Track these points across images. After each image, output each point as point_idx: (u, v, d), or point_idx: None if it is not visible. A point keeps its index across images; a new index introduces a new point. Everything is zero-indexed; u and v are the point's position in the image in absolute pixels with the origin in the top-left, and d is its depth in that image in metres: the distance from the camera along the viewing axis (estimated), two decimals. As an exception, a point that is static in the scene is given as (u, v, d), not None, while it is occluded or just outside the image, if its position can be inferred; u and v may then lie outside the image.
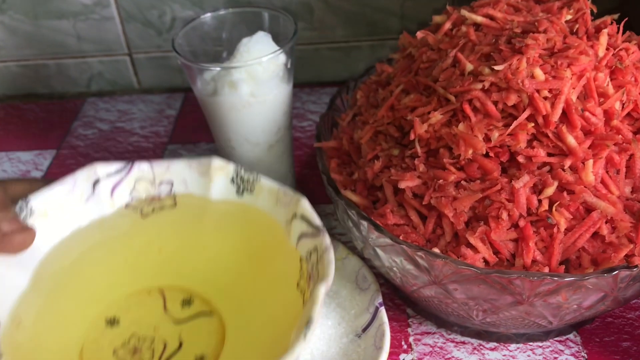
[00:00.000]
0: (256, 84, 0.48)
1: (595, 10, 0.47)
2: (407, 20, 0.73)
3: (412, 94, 0.44)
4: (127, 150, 0.71)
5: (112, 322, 0.41)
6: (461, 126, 0.40)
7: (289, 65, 0.50)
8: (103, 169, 0.41)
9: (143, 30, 0.75)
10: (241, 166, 0.42)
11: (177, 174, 0.42)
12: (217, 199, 0.42)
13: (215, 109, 0.50)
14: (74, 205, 0.41)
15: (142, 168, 0.42)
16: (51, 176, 0.67)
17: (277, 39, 0.50)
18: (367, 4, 0.73)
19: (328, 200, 0.62)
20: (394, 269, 0.43)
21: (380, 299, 0.47)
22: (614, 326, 0.49)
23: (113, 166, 0.42)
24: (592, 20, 0.46)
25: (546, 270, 0.39)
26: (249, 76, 0.48)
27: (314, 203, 0.62)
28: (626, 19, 0.47)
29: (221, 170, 0.41)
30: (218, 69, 0.48)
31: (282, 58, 0.49)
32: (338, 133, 0.51)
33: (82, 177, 0.41)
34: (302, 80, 0.78)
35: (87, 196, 0.41)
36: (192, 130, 0.73)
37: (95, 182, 0.40)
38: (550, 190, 0.39)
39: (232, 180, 0.41)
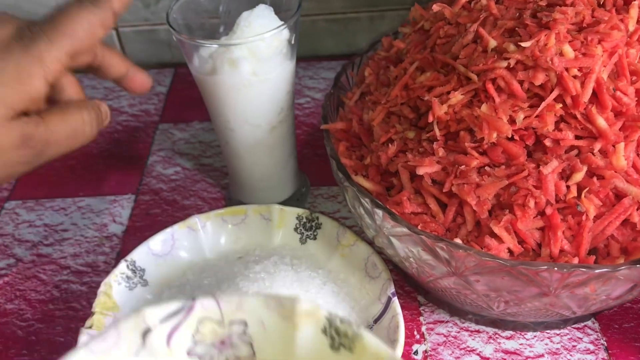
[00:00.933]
0: (258, 61, 0.45)
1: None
2: (408, -10, 0.70)
3: (429, 72, 0.41)
4: (117, 131, 0.67)
5: None
6: (484, 107, 0.38)
7: (292, 41, 0.47)
8: (154, 315, 0.31)
9: (129, 2, 0.71)
10: (336, 315, 0.31)
11: (251, 312, 0.32)
12: (305, 352, 0.32)
13: (213, 88, 0.47)
14: None
15: (205, 306, 0.32)
16: (36, 159, 0.64)
17: (278, 12, 0.47)
18: (367, -27, 0.69)
19: (330, 181, 0.59)
20: (410, 259, 0.41)
21: (392, 289, 0.45)
22: (632, 311, 0.47)
23: (167, 309, 0.31)
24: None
25: (575, 260, 0.37)
26: (250, 53, 0.45)
27: (316, 185, 0.59)
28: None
29: (309, 318, 0.31)
30: (217, 46, 0.45)
31: (285, 34, 0.46)
32: (345, 113, 0.48)
33: (127, 328, 0.31)
34: (298, 55, 0.74)
35: (136, 349, 0.32)
36: (184, 107, 0.69)
37: (146, 332, 0.31)
38: (579, 176, 0.37)
39: (324, 330, 0.31)
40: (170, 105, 0.70)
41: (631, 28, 0.40)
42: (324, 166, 0.61)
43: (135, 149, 0.65)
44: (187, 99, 0.70)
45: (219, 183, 0.60)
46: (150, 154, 0.64)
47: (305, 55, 0.75)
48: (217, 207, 0.57)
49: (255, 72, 0.45)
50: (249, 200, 0.55)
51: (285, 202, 0.55)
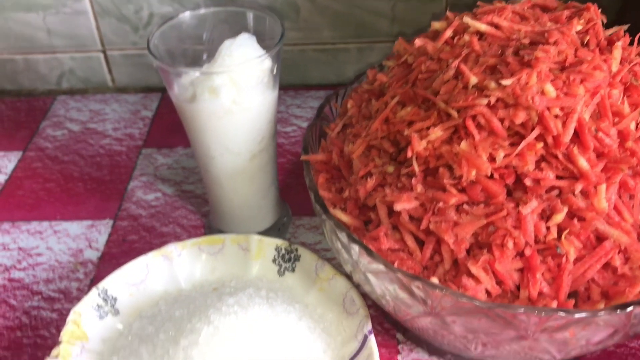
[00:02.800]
0: (239, 90, 0.44)
1: (605, 21, 0.44)
2: (398, 23, 0.70)
3: (409, 107, 0.41)
4: (99, 154, 0.66)
5: None
6: (464, 144, 0.37)
7: (274, 71, 0.46)
8: None
9: (118, 25, 0.71)
10: None
11: None
12: None
13: (193, 115, 0.46)
14: None
15: None
16: (15, 181, 0.63)
17: (262, 41, 0.46)
18: (356, 4, 0.69)
19: (312, 212, 0.58)
20: (387, 297, 0.39)
21: (369, 326, 0.44)
22: (615, 356, 0.46)
23: None
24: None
25: (554, 304, 0.36)
26: (231, 82, 0.44)
27: (298, 215, 0.58)
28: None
29: None
30: (197, 73, 0.44)
31: (267, 63, 0.45)
32: (327, 144, 0.47)
33: None
34: (286, 83, 0.74)
35: None
36: (169, 133, 0.69)
37: None
38: (559, 217, 0.36)
39: None
40: (155, 129, 0.69)
41: (614, 69, 0.39)
42: (307, 196, 0.60)
43: (116, 173, 0.64)
44: (173, 124, 0.70)
45: (199, 210, 0.59)
46: (132, 179, 0.63)
47: (293, 84, 0.75)
48: (196, 235, 0.56)
49: (235, 101, 0.45)
50: (229, 229, 0.54)
51: (266, 232, 0.54)
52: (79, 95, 0.75)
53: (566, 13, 0.44)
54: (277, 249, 0.50)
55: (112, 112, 0.72)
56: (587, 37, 0.41)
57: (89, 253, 0.55)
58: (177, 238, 0.56)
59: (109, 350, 0.45)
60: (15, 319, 0.50)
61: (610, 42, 0.42)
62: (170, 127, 0.69)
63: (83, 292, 0.52)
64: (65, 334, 0.44)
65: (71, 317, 0.45)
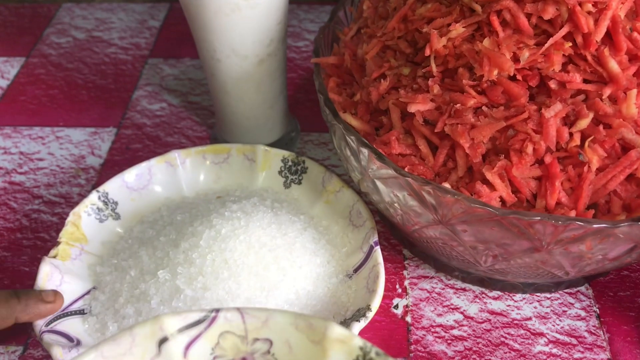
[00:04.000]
0: (248, -16, 0.42)
1: None
2: None
3: (430, 3, 0.38)
4: (104, 62, 0.64)
5: None
6: (486, 42, 0.34)
7: (286, -34, 0.43)
8: (172, 324, 0.29)
9: None
10: (372, 346, 0.28)
11: (278, 331, 0.29)
12: None
13: (198, 12, 0.43)
14: None
15: (229, 319, 0.29)
16: (18, 86, 0.61)
17: None
18: None
19: (321, 128, 0.56)
20: (395, 204, 0.38)
21: (375, 238, 0.42)
22: (629, 280, 0.45)
23: (187, 318, 0.29)
24: None
25: (572, 214, 0.34)
26: (239, -25, 0.41)
27: (307, 131, 0.56)
28: None
29: (341, 345, 0.29)
30: (204, -37, 0.41)
31: (279, -44, 0.42)
32: (339, 48, 0.45)
33: (142, 335, 0.29)
34: (300, -4, 0.71)
35: (150, 358, 0.29)
36: (176, 43, 0.66)
37: (162, 341, 0.29)
38: (584, 123, 0.34)
39: None
40: (162, 40, 0.67)
41: (655, -34, 0.36)
42: (316, 111, 0.58)
43: (121, 81, 0.61)
44: (180, 35, 0.67)
45: (205, 122, 0.57)
46: (137, 88, 0.61)
47: (307, -2, 0.71)
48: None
49: (243, -4, 0.42)
50: (234, 141, 0.52)
51: (272, 145, 0.52)
52: (85, 3, 0.72)
53: None
54: (284, 160, 0.48)
55: (118, 21, 0.69)
56: None
57: (91, 159, 0.53)
58: (182, 147, 0.54)
59: (109, 252, 0.44)
60: (15, 221, 0.49)
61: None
62: (177, 38, 0.67)
63: (84, 197, 0.50)
64: (64, 235, 0.43)
65: (70, 218, 0.44)
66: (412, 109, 0.36)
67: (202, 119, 0.57)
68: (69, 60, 0.64)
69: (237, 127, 0.52)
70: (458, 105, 0.35)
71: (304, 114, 0.58)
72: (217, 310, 0.29)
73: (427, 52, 0.36)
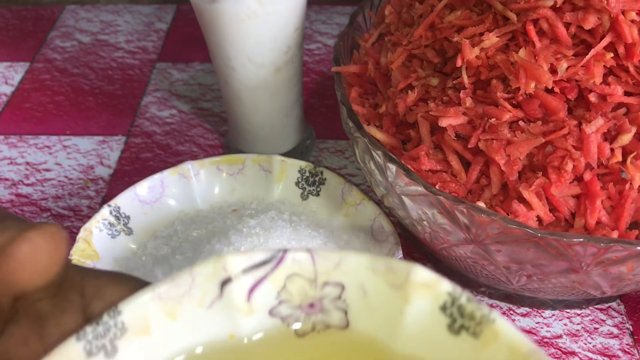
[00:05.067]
0: (265, -10, 0.40)
1: None
2: None
3: (460, 10, 0.36)
4: (110, 67, 0.62)
5: None
6: (522, 52, 0.33)
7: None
8: (236, 264, 0.26)
9: None
10: (461, 292, 0.24)
11: (352, 275, 0.26)
12: (414, 332, 0.25)
13: (213, 18, 0.42)
14: (190, 315, 0.26)
15: (298, 260, 0.26)
16: (22, 93, 0.59)
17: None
18: None
19: (337, 135, 0.55)
20: (424, 222, 0.36)
21: (400, 254, 0.41)
22: (663, 295, 0.43)
23: (253, 258, 0.26)
24: None
25: (614, 234, 0.32)
26: (256, -20, 0.39)
27: (321, 138, 0.55)
28: None
29: (426, 290, 0.25)
30: (220, -32, 0.39)
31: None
32: (360, 56, 0.43)
33: (203, 275, 0.26)
34: (311, -3, 0.69)
35: (211, 300, 0.26)
36: (185, 46, 0.64)
37: (225, 282, 0.26)
38: (626, 138, 0.32)
39: (444, 308, 0.25)
40: (170, 43, 0.65)
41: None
42: (331, 118, 0.56)
43: (129, 87, 0.60)
44: (189, 38, 0.65)
45: (217, 129, 0.55)
46: (145, 94, 0.59)
47: (318, -2, 0.69)
48: (213, 155, 0.52)
49: (260, 2, 0.40)
50: (248, 150, 0.51)
51: (287, 154, 0.51)
52: (90, 5, 0.70)
53: None
54: (301, 171, 0.46)
55: (124, 23, 0.67)
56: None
57: (100, 170, 0.52)
58: (194, 157, 0.52)
59: (122, 270, 0.42)
60: (23, 235, 0.47)
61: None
62: (186, 41, 0.65)
63: (94, 210, 0.49)
64: (75, 252, 0.41)
65: (81, 234, 0.42)
66: (443, 123, 0.34)
67: (214, 126, 0.55)
68: (75, 65, 0.62)
69: (252, 136, 0.50)
70: (493, 119, 0.33)
71: (319, 120, 0.56)
72: (285, 251, 0.26)
73: (459, 62, 0.34)
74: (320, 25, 0.67)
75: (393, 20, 0.42)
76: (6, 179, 0.51)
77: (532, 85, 0.32)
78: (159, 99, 0.58)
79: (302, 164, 0.46)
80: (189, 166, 0.46)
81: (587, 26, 0.32)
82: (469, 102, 0.34)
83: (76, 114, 0.57)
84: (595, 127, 0.32)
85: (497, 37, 0.33)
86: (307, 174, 0.46)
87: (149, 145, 0.54)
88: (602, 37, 0.32)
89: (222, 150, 0.53)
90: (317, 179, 0.46)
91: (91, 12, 0.69)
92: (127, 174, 0.51)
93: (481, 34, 0.34)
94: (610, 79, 0.33)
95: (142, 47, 0.64)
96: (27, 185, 0.51)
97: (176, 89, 0.59)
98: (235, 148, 0.52)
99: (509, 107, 0.33)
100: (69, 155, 0.53)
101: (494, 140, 0.32)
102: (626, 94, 0.33)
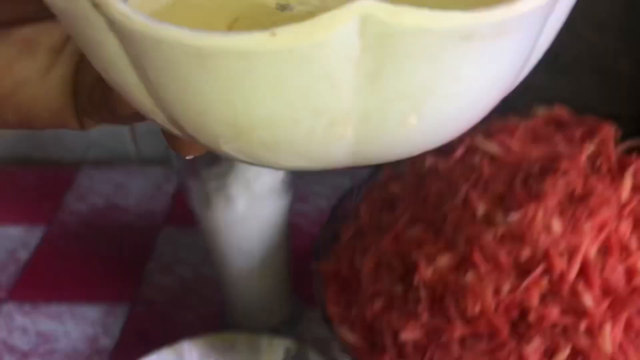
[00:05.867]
0: (253, 197, 0.46)
1: (618, 136, 0.44)
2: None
3: (419, 226, 0.41)
4: (120, 232, 0.67)
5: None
6: (469, 275, 0.37)
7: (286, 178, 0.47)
8: None
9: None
10: None
11: None
12: None
13: (208, 224, 0.47)
14: None
15: None
16: (39, 257, 0.64)
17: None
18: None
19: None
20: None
21: None
22: None
23: None
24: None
25: None
26: (246, 189, 0.45)
27: (312, 306, 0.58)
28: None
29: None
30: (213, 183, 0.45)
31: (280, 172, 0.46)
32: (339, 250, 0.48)
33: None
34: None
35: None
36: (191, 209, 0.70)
37: None
38: (562, 356, 0.36)
39: None
40: (177, 205, 0.70)
41: (624, 198, 0.39)
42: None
43: (135, 253, 0.65)
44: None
45: (215, 298, 0.59)
46: (151, 260, 0.64)
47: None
48: (210, 325, 0.56)
49: (251, 208, 0.46)
50: (241, 321, 0.55)
51: (278, 325, 0.55)
52: (105, 166, 0.77)
53: (579, 132, 0.44)
54: (287, 351, 0.50)
55: (135, 185, 0.73)
56: (599, 161, 0.41)
57: (104, 342, 0.56)
58: (192, 327, 0.57)
59: None
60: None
61: (623, 165, 0.42)
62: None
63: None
64: None
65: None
66: (402, 336, 0.38)
67: (212, 294, 0.60)
68: (88, 229, 0.68)
69: (244, 311, 0.54)
70: (445, 336, 0.37)
71: (308, 285, 0.60)
72: None
73: (416, 280, 0.39)
74: (315, 186, 0.72)
75: (366, 221, 0.47)
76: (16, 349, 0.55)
77: (477, 307, 0.36)
78: (163, 264, 0.63)
79: (289, 344, 0.50)
80: (185, 346, 0.50)
81: (523, 258, 0.36)
82: (425, 316, 0.38)
83: (85, 281, 0.62)
84: (533, 348, 0.36)
85: (449, 259, 0.38)
86: (294, 352, 0.50)
87: (152, 315, 0.58)
88: (538, 264, 0.37)
89: (219, 320, 0.57)
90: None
91: (106, 174, 0.76)
92: (128, 347, 0.55)
93: (438, 251, 0.39)
94: (548, 299, 0.37)
95: (150, 210, 0.70)
96: (37, 355, 0.55)
97: (180, 254, 0.64)
98: (230, 319, 0.56)
99: (460, 324, 0.37)
100: (77, 324, 0.57)
101: (446, 358, 0.37)
102: (563, 312, 0.37)
